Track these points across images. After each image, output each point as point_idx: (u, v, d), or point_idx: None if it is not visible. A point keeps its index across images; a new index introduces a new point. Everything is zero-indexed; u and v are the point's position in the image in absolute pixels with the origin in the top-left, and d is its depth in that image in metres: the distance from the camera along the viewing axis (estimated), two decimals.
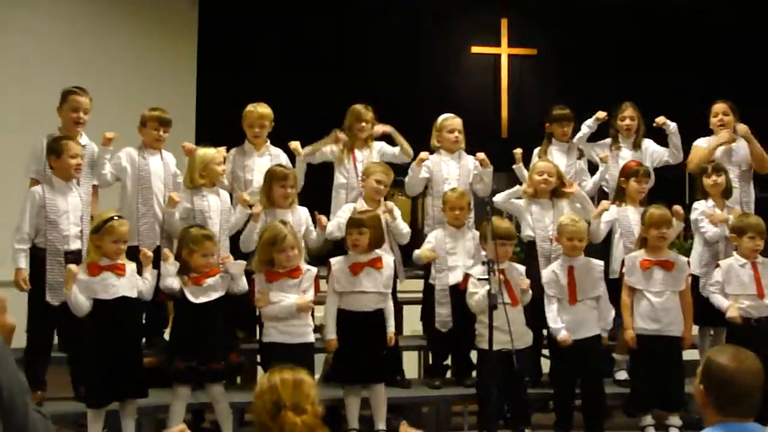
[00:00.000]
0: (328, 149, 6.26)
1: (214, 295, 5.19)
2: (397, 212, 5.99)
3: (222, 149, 5.86)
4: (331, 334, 5.43)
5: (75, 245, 5.40)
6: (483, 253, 5.77)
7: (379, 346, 5.48)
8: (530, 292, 5.59)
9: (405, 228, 6.01)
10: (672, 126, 6.51)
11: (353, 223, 5.51)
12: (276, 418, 2.75)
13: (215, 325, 5.16)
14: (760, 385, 2.91)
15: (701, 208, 6.16)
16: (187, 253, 5.17)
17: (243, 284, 5.33)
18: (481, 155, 6.26)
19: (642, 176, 6.17)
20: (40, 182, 5.51)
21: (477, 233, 6.00)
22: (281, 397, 2.77)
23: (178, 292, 5.13)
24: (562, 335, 5.56)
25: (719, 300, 5.73)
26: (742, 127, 6.41)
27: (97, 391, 4.96)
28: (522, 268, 5.70)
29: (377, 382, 5.48)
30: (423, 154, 6.20)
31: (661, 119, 6.48)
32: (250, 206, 5.72)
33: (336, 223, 5.89)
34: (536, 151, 6.64)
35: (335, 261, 5.56)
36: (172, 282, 5.13)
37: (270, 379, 2.85)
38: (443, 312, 5.90)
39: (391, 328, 5.56)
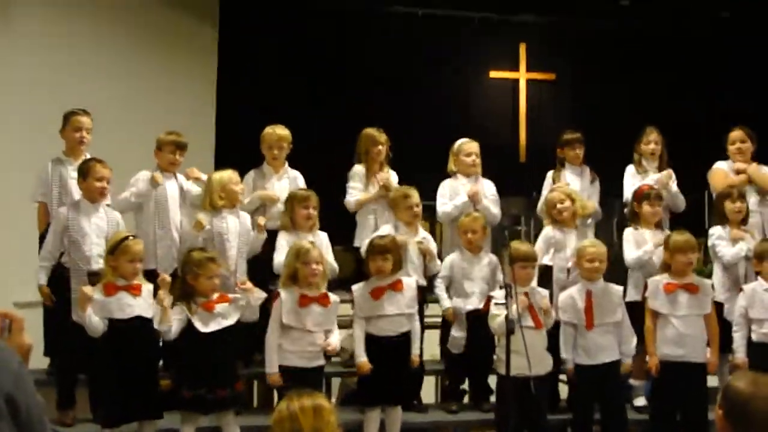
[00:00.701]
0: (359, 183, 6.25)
1: (225, 323, 5.14)
2: (433, 246, 6.04)
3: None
4: (362, 357, 5.42)
5: (98, 265, 5.41)
6: (500, 276, 5.76)
7: (401, 369, 5.47)
8: (553, 314, 5.55)
9: (438, 263, 6.02)
10: (674, 189, 6.46)
11: (378, 249, 5.49)
12: None
13: (225, 353, 5.13)
14: None
15: (718, 233, 6.08)
16: (192, 278, 5.13)
17: (256, 314, 5.33)
18: (473, 190, 6.22)
19: (654, 199, 6.10)
20: (48, 206, 5.67)
21: (494, 257, 5.98)
22: (302, 427, 2.73)
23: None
24: (569, 367, 5.54)
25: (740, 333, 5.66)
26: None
27: (111, 411, 4.96)
28: (545, 292, 5.66)
29: (395, 404, 5.47)
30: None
31: (665, 179, 6.41)
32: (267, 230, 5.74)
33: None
34: (549, 174, 6.63)
35: (357, 288, 5.56)
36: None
37: (289, 407, 2.81)
38: (457, 335, 5.87)
39: (415, 350, 5.55)
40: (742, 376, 3.01)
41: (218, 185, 5.70)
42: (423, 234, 6.04)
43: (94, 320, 4.91)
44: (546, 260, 5.99)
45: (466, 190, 6.22)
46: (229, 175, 5.76)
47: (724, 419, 2.87)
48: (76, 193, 5.63)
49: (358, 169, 6.26)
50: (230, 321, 5.17)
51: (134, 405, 4.96)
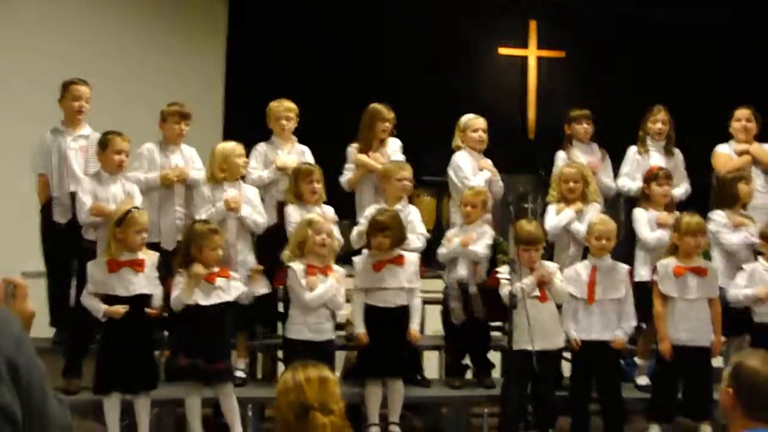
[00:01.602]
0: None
1: (225, 297, 5.20)
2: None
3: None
4: (360, 329, 5.46)
5: None
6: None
7: (400, 343, 5.49)
8: (563, 287, 5.51)
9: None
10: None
11: (378, 226, 5.50)
12: (302, 418, 2.70)
13: (222, 327, 5.20)
14: None
15: (718, 218, 6.03)
16: (196, 249, 5.18)
17: (250, 298, 5.45)
18: (487, 163, 6.22)
19: (663, 179, 6.07)
20: (48, 177, 5.71)
21: (492, 232, 5.97)
22: (308, 397, 2.71)
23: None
24: (572, 336, 5.53)
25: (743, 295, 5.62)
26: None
27: (101, 378, 5.06)
28: (555, 266, 5.66)
29: (396, 377, 5.50)
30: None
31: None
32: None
33: (358, 231, 5.88)
34: (560, 153, 6.55)
35: (358, 259, 5.59)
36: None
37: (294, 377, 2.78)
38: (455, 306, 5.86)
39: (414, 325, 5.57)
40: (752, 354, 3.01)
41: (220, 157, 5.71)
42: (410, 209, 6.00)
43: (94, 303, 5.08)
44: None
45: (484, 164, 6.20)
46: (231, 147, 5.76)
47: (734, 397, 2.87)
48: (75, 164, 5.65)
49: (352, 149, 6.23)
50: (229, 297, 5.22)
51: (126, 375, 5.04)
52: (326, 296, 5.28)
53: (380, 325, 5.46)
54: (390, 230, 5.47)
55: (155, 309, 5.18)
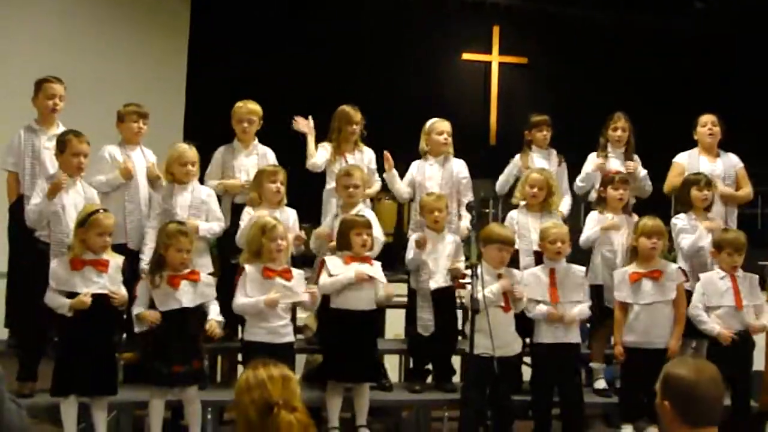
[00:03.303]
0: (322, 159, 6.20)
1: (185, 304, 5.12)
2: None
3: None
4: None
5: None
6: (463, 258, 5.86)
7: (368, 347, 5.49)
8: (524, 301, 5.57)
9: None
10: (642, 173, 6.49)
11: (363, 224, 5.53)
12: (266, 416, 2.64)
13: (182, 331, 5.10)
14: (722, 395, 2.94)
15: (681, 223, 6.09)
16: (163, 248, 5.14)
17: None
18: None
19: (618, 183, 6.12)
20: (19, 176, 5.58)
21: (458, 237, 6.01)
22: (271, 395, 2.67)
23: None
24: (547, 309, 5.57)
25: (708, 325, 5.67)
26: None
27: (61, 380, 4.97)
28: (519, 274, 5.70)
29: (363, 383, 5.49)
30: (386, 155, 6.17)
31: (632, 166, 6.41)
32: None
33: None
34: (517, 158, 6.58)
35: (330, 257, 5.56)
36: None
37: (256, 375, 2.73)
38: (425, 316, 5.89)
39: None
40: (678, 363, 3.02)
41: (170, 160, 5.68)
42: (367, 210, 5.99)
43: (57, 299, 4.97)
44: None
45: (437, 172, 6.22)
46: (179, 152, 5.70)
47: (671, 409, 2.88)
48: (49, 164, 5.55)
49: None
50: (189, 304, 5.15)
51: (85, 377, 4.95)
52: (258, 307, 5.22)
53: (348, 328, 5.40)
54: (370, 230, 5.50)
55: (116, 295, 5.07)
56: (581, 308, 5.65)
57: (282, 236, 5.26)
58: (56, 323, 5.10)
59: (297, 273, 5.39)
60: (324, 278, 5.39)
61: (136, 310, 5.09)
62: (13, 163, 5.64)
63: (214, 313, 5.25)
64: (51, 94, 5.66)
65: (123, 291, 5.13)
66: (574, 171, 6.67)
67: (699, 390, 2.85)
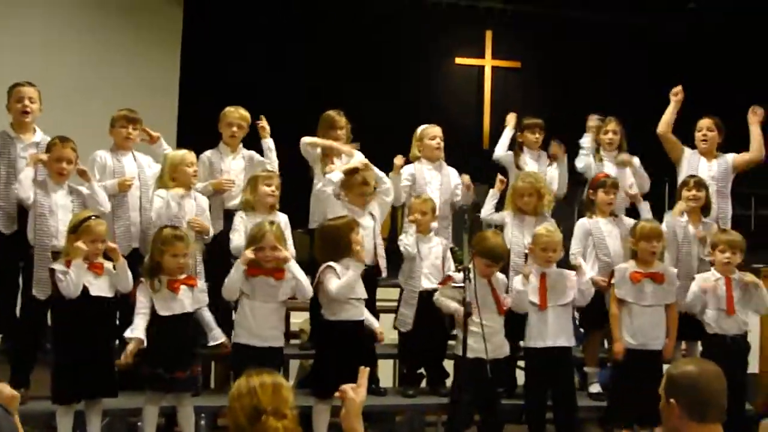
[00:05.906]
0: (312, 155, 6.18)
1: (185, 309, 5.12)
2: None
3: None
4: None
5: (62, 243, 5.35)
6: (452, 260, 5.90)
7: (360, 357, 5.43)
8: (508, 302, 5.59)
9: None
10: (636, 163, 6.51)
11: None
12: (256, 423, 2.71)
13: (183, 336, 5.10)
14: (725, 390, 2.97)
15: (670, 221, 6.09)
16: (159, 254, 5.11)
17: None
18: (466, 178, 6.30)
19: (609, 187, 6.14)
20: None
21: (445, 240, 6.03)
22: (261, 402, 2.73)
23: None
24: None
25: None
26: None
27: (63, 387, 4.93)
28: (504, 280, 5.70)
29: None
30: (397, 160, 6.17)
31: (626, 157, 6.46)
32: None
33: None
34: (511, 116, 6.78)
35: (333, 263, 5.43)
36: None
37: (249, 382, 2.80)
38: (406, 312, 5.91)
39: (376, 324, 5.58)
40: (683, 362, 3.10)
41: (170, 165, 5.66)
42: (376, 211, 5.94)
43: (73, 278, 4.88)
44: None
45: (435, 177, 6.26)
46: (181, 155, 5.70)
47: (678, 406, 2.90)
48: (23, 173, 5.41)
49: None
50: (189, 309, 5.14)
51: (87, 382, 4.92)
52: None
53: (341, 340, 5.27)
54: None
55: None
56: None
57: (271, 245, 5.17)
58: (49, 330, 5.08)
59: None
60: (335, 282, 5.26)
61: (129, 333, 5.00)
62: None
63: (211, 320, 5.27)
64: (20, 97, 5.58)
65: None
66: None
67: (705, 383, 2.91)
